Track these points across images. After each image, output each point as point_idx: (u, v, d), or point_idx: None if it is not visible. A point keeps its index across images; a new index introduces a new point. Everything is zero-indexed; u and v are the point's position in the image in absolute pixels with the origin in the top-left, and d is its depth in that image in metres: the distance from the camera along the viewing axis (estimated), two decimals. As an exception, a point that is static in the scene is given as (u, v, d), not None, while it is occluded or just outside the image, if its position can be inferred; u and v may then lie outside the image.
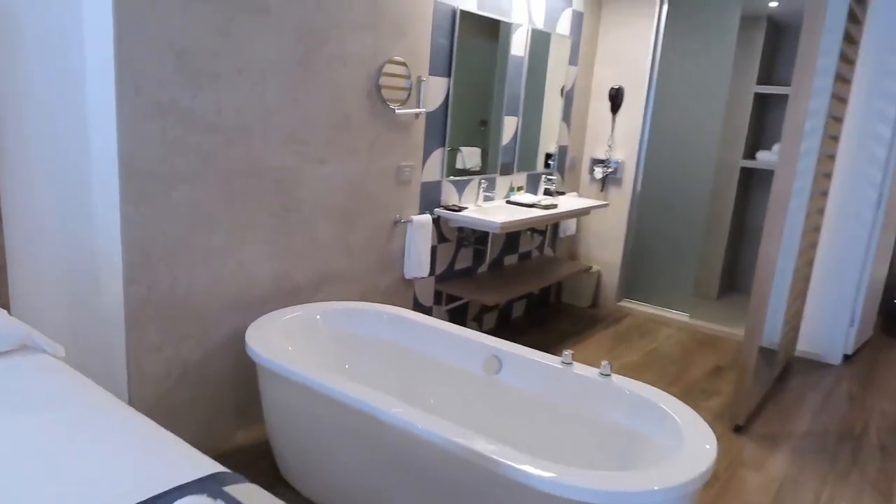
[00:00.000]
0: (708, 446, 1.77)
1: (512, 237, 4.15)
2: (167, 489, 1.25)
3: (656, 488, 1.58)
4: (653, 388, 2.11)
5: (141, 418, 1.52)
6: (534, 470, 1.61)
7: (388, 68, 2.95)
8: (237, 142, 2.42)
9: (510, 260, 4.20)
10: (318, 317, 2.59)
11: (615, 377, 2.17)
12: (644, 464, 1.96)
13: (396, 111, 3.06)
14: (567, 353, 2.27)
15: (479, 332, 2.53)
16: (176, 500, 1.21)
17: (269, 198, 2.59)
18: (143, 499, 1.21)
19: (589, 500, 1.57)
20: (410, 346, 2.61)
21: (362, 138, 2.94)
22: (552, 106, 4.22)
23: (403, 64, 3.04)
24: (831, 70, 3.39)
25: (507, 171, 3.97)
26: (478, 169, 3.63)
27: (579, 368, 2.24)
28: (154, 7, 2.08)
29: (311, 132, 2.69)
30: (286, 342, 2.40)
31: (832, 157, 3.79)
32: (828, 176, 3.78)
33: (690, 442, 1.79)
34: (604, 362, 2.19)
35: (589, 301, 4.77)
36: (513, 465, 1.62)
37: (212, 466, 1.35)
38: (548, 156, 4.35)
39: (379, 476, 1.97)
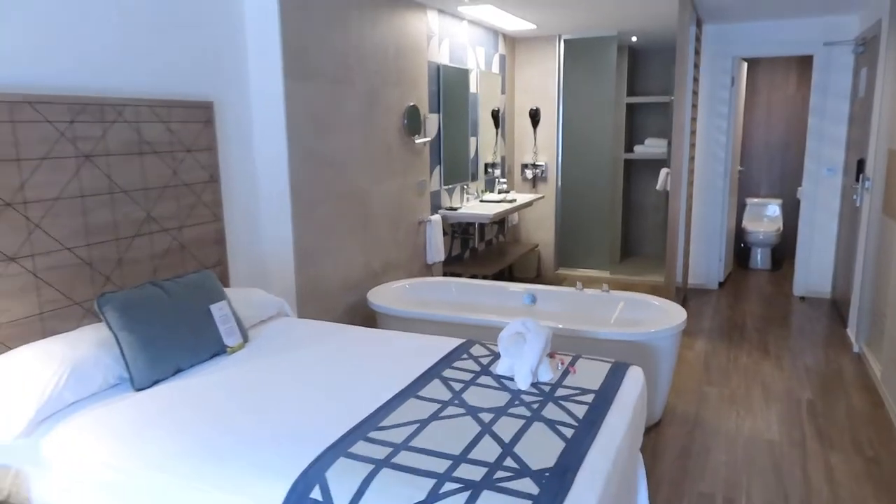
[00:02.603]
0: (680, 312, 3.15)
1: (481, 228, 5.44)
2: (457, 345, 2.39)
3: (652, 330, 2.92)
4: (638, 293, 3.48)
5: (382, 332, 2.62)
6: (600, 328, 2.90)
7: (409, 111, 4.13)
8: (342, 173, 3.50)
9: (481, 246, 5.49)
10: (406, 286, 3.73)
11: (613, 292, 3.52)
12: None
13: (415, 141, 4.25)
14: (579, 283, 3.59)
15: (517, 283, 3.79)
16: (458, 358, 2.36)
17: (357, 210, 3.68)
18: (436, 360, 2.34)
19: (626, 339, 2.89)
20: (473, 300, 3.81)
21: (398, 163, 4.09)
22: (489, 126, 5.55)
23: (416, 107, 4.22)
24: (688, 83, 5.02)
25: (474, 178, 5.25)
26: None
27: (588, 292, 3.57)
28: (303, 92, 3.15)
29: (374, 162, 3.81)
30: (393, 302, 3.51)
31: (693, 145, 5.45)
32: (692, 158, 5.44)
33: (669, 310, 3.17)
34: (604, 284, 3.54)
35: (534, 273, 6.16)
36: (588, 328, 2.91)
37: (456, 340, 2.49)
38: (486, 165, 5.67)
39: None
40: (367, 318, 3.75)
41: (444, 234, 4.78)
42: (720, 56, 5.43)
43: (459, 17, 4.76)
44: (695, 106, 5.31)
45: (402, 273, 4.20)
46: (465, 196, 5.06)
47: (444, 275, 4.81)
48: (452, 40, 4.70)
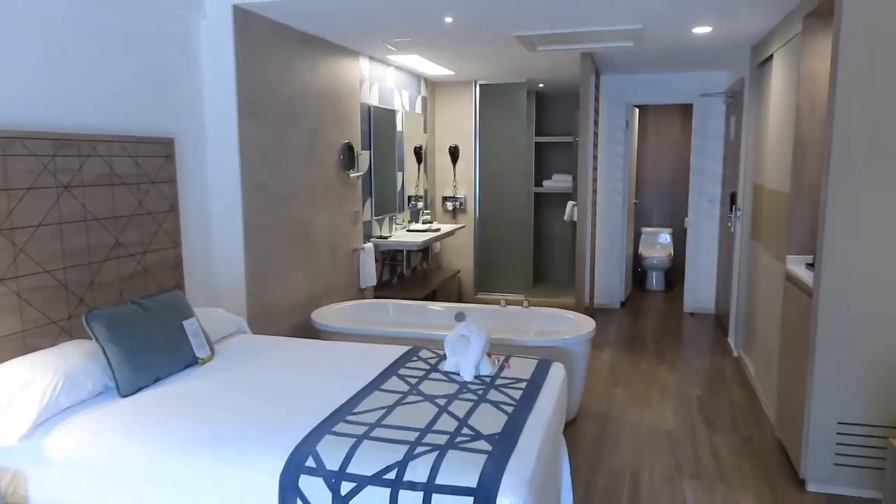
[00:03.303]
0: (590, 323, 3.65)
1: (409, 255, 5.82)
2: (406, 351, 2.75)
3: (567, 337, 3.40)
4: (555, 308, 3.96)
5: (337, 343, 2.95)
6: (524, 337, 3.34)
7: (344, 148, 4.50)
8: (287, 204, 3.81)
9: (408, 273, 5.86)
10: (347, 307, 4.04)
11: (532, 308, 3.99)
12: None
13: (350, 175, 4.61)
14: (502, 301, 4.04)
15: (447, 303, 4.19)
16: (408, 360, 2.72)
17: (300, 238, 3.98)
18: (390, 362, 2.70)
19: (546, 345, 3.35)
20: (408, 319, 4.16)
21: (335, 194, 4.43)
22: (413, 162, 5.99)
23: (350, 144, 4.60)
24: (591, 126, 5.68)
25: (401, 209, 5.65)
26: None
27: (510, 308, 4.02)
28: (254, 130, 3.46)
29: (316, 194, 4.14)
30: (336, 322, 3.82)
31: (595, 181, 6.12)
32: (595, 192, 6.09)
33: (581, 322, 3.67)
34: (524, 301, 4.01)
35: (456, 297, 6.59)
36: (514, 337, 3.34)
37: (403, 347, 2.85)
38: (410, 197, 6.10)
39: (429, 377, 3.52)
40: (311, 337, 4.02)
41: (376, 261, 5.12)
42: (616, 103, 6.17)
43: (387, 63, 5.21)
44: (596, 146, 5.99)
45: (338, 297, 4.51)
46: (394, 226, 5.44)
47: (376, 299, 5.14)
48: (381, 84, 5.14)
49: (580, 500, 2.80)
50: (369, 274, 4.81)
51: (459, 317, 4.07)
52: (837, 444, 2.82)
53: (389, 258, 5.41)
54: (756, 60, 4.40)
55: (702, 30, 3.91)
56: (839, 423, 2.81)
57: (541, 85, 6.77)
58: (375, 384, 2.35)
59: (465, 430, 1.94)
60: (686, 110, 7.49)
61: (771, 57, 3.98)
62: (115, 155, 2.77)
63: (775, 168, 3.77)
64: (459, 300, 6.64)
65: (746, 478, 2.98)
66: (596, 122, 5.92)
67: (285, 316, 3.83)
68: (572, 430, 3.47)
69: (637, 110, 6.82)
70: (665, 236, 7.62)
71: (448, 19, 3.61)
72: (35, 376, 2.10)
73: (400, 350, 2.80)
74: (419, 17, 3.55)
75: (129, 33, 2.88)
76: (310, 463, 1.80)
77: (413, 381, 2.39)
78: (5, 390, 2.04)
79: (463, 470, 1.73)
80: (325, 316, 3.84)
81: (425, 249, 6.26)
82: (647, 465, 3.09)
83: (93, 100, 2.72)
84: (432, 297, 6.38)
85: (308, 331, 4.01)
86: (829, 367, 2.78)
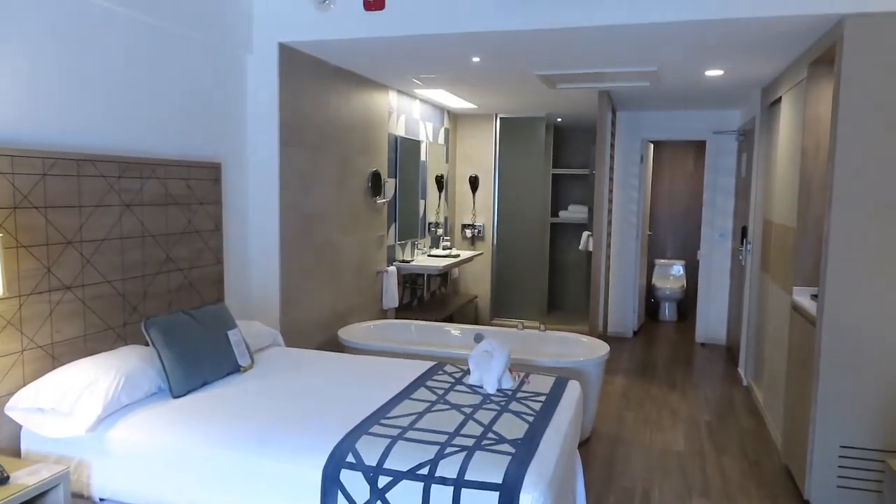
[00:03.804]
0: (604, 346, 3.82)
1: (429, 279, 6.03)
2: (431, 365, 2.94)
3: (581, 359, 3.58)
4: (570, 333, 4.14)
5: (367, 357, 3.14)
6: (541, 358, 3.52)
7: (372, 175, 4.75)
8: (319, 227, 4.05)
9: (427, 296, 6.07)
10: (371, 326, 4.24)
11: (548, 332, 4.17)
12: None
13: (377, 201, 4.85)
14: (520, 323, 4.23)
15: (467, 325, 4.38)
16: (434, 374, 2.91)
17: (330, 260, 4.21)
18: (417, 375, 2.89)
19: (561, 366, 3.52)
20: (429, 339, 4.36)
21: (362, 219, 4.67)
22: (434, 190, 6.23)
23: (378, 172, 4.85)
24: (606, 159, 5.90)
25: (423, 235, 5.88)
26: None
27: (527, 331, 4.20)
28: (292, 156, 3.72)
29: (344, 217, 4.38)
30: (362, 340, 4.02)
31: (610, 212, 6.32)
32: (610, 223, 6.30)
33: (595, 346, 3.84)
34: (541, 325, 4.19)
35: (472, 322, 6.77)
36: (532, 357, 3.52)
37: (429, 362, 3.04)
38: (430, 224, 6.33)
39: (450, 394, 3.69)
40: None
41: (398, 283, 5.33)
42: (631, 138, 6.41)
43: (414, 96, 5.49)
44: (611, 179, 6.21)
45: (363, 316, 4.71)
46: (416, 251, 5.67)
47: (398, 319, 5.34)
48: (408, 115, 5.41)
49: (593, 512, 2.96)
50: (391, 295, 5.02)
51: (478, 338, 4.26)
52: (839, 466, 2.96)
53: (410, 281, 5.63)
54: (766, 102, 4.62)
55: (714, 72, 4.14)
56: (841, 446, 2.95)
57: (559, 119, 7.03)
58: (405, 394, 2.54)
59: (490, 435, 2.13)
60: (700, 146, 7.71)
61: (780, 99, 4.20)
62: (171, 178, 3.02)
63: (783, 204, 3.96)
64: (476, 324, 6.81)
65: (752, 498, 3.12)
66: (612, 156, 6.14)
67: (313, 332, 4.04)
68: (585, 450, 3.62)
69: (652, 145, 7.05)
70: (678, 268, 7.78)
71: (475, 59, 3.87)
72: (99, 376, 2.32)
73: (426, 365, 2.99)
74: (448, 56, 3.81)
75: (185, 68, 3.16)
76: (350, 459, 1.99)
77: (440, 392, 2.58)
78: (74, 387, 2.26)
79: (489, 468, 1.91)
80: (351, 333, 4.05)
81: (444, 274, 6.47)
82: (657, 484, 3.24)
83: (153, 127, 2.98)
84: (450, 320, 6.57)
85: (334, 347, 4.21)
86: (832, 392, 2.94)
